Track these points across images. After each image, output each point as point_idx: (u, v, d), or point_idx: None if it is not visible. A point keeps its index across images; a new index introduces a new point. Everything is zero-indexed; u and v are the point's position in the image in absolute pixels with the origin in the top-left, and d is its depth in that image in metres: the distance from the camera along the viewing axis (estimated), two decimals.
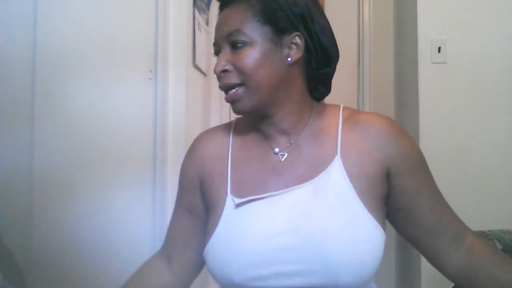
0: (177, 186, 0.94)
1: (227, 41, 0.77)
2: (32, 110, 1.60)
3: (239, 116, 0.88)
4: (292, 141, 0.81)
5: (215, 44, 0.80)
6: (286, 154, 0.81)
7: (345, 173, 0.76)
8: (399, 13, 2.55)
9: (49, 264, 1.58)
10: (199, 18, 2.08)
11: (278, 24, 0.77)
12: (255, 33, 0.76)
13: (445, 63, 1.99)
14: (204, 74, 2.25)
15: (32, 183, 1.59)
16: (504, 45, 1.98)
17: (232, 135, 0.87)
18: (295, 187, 0.76)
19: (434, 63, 2.00)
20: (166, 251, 0.95)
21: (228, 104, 2.47)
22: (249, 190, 0.78)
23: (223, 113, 2.57)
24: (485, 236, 1.43)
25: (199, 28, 2.06)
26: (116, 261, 1.62)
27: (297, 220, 0.74)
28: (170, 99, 1.68)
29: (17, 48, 1.61)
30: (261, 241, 0.73)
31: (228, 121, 2.58)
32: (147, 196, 1.67)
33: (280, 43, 0.77)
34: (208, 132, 0.92)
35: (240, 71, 0.76)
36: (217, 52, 0.80)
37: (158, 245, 1.68)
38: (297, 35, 0.78)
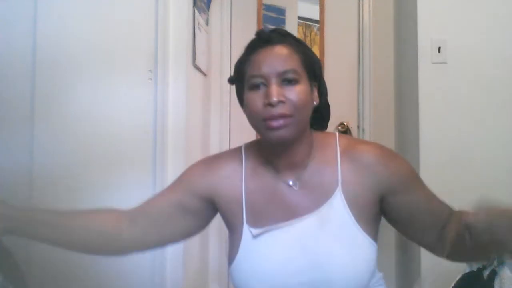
0: (175, 179, 1.00)
1: (280, 76, 0.87)
2: (32, 110, 1.60)
3: (247, 143, 1.01)
4: (300, 174, 0.93)
5: (260, 76, 0.88)
6: (298, 185, 0.92)
7: (345, 202, 0.89)
8: (399, 13, 2.55)
9: (49, 264, 1.58)
10: (199, 18, 2.08)
11: (315, 71, 0.93)
12: (303, 74, 0.90)
13: (445, 63, 1.99)
14: (204, 74, 2.25)
15: (32, 183, 1.59)
16: (504, 45, 1.98)
17: (245, 164, 0.97)
18: (303, 217, 0.89)
19: (434, 63, 2.00)
20: (133, 216, 0.99)
21: (228, 104, 2.48)
22: (263, 220, 0.91)
23: (223, 113, 2.57)
24: None
25: (199, 28, 2.06)
26: (116, 261, 1.62)
27: (307, 247, 0.87)
28: (170, 99, 1.68)
29: (17, 48, 1.61)
30: (279, 267, 0.87)
31: (227, 120, 2.60)
32: (147, 196, 1.67)
33: (311, 88, 0.92)
34: (222, 158, 1.01)
35: (293, 104, 0.86)
36: (259, 83, 0.88)
37: None
38: (317, 84, 0.95)
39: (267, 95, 0.86)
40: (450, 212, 0.92)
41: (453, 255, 0.93)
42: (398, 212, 0.92)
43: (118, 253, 1.02)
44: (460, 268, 1.55)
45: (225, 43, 2.62)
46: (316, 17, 2.94)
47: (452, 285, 1.50)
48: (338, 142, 0.95)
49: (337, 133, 0.99)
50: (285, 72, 0.87)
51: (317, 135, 0.98)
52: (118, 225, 0.98)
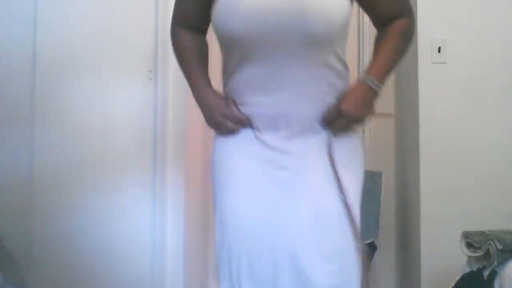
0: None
1: None
2: (32, 110, 1.60)
3: None
4: None
5: None
6: None
7: None
8: None
9: (49, 264, 1.58)
10: None
11: None
12: None
13: (445, 63, 1.99)
14: None
15: (32, 183, 1.59)
16: (504, 45, 1.98)
17: None
18: None
19: (434, 63, 2.00)
20: (189, 29, 1.11)
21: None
22: None
23: None
24: (485, 236, 1.42)
25: None
26: (116, 260, 1.62)
27: None
28: (170, 99, 1.68)
29: (18, 48, 1.61)
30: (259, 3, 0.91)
31: None
32: (147, 196, 1.67)
33: None
34: None
35: None
36: None
37: (158, 244, 1.69)
38: None
39: None
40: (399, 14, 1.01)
41: None
42: None
43: None
44: (460, 268, 1.55)
45: None
46: None
47: (452, 285, 1.50)
48: None
49: None
50: None
51: None
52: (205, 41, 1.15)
